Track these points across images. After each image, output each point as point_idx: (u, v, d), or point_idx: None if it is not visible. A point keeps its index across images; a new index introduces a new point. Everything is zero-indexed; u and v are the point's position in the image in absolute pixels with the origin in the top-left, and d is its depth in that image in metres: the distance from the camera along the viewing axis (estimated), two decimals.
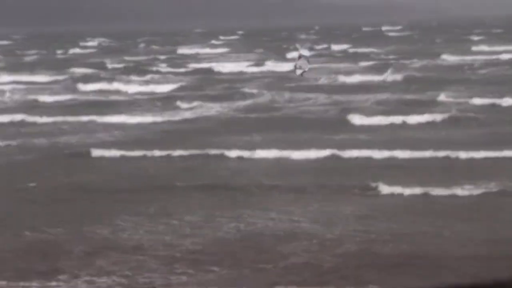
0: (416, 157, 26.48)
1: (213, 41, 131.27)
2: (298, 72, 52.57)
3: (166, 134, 33.54)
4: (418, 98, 42.23)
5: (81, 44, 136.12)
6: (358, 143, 29.55)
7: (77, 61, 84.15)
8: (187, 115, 39.22)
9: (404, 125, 34.13)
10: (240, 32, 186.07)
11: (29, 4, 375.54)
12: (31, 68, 72.31)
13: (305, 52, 53.34)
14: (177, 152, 28.20)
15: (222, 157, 27.54)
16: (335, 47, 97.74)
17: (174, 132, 34.00)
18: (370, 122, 34.84)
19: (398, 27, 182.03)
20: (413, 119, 35.04)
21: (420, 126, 33.75)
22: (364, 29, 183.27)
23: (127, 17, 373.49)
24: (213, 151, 28.10)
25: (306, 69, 52.57)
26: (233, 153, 27.76)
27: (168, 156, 27.85)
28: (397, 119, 35.05)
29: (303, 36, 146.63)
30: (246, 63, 68.69)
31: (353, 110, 37.42)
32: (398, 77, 52.41)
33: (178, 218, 19.79)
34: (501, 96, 40.49)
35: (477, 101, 39.99)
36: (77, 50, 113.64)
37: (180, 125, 36.43)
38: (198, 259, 16.52)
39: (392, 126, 34.00)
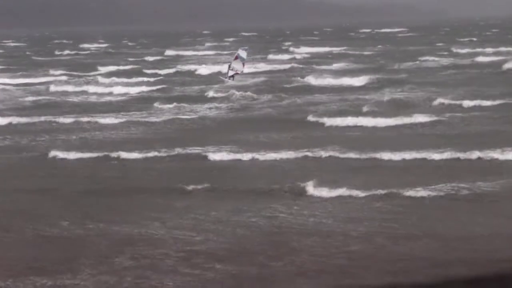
0: (357, 157, 26.98)
1: (208, 44, 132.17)
2: (230, 73, 52.62)
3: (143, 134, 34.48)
4: (377, 99, 42.72)
5: (84, 46, 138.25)
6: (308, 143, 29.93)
7: (70, 62, 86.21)
8: (158, 116, 39.81)
9: (357, 127, 34.39)
10: (244, 34, 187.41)
11: (48, 5, 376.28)
12: (24, 69, 73.98)
13: (242, 53, 53.32)
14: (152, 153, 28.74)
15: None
16: (324, 49, 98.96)
17: (145, 133, 34.82)
18: (328, 123, 35.17)
19: (400, 29, 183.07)
20: (367, 121, 35.25)
21: (372, 127, 34.19)
22: (363, 30, 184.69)
23: (140, 19, 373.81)
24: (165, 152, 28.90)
25: (239, 72, 52.82)
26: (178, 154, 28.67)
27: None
28: (353, 120, 35.38)
29: (308, 38, 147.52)
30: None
31: (312, 112, 38.07)
32: (367, 79, 53.10)
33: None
34: (461, 98, 41.43)
35: (436, 102, 40.55)
36: (79, 52, 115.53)
37: (150, 126, 37.15)
38: None
39: (345, 127, 34.38)
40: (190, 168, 26.26)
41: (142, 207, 21.16)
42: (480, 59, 71.22)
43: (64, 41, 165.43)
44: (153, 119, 39.07)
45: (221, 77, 53.61)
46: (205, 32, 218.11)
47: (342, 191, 21.84)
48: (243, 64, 52.76)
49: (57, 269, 16.11)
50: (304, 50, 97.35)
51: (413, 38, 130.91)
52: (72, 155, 29.00)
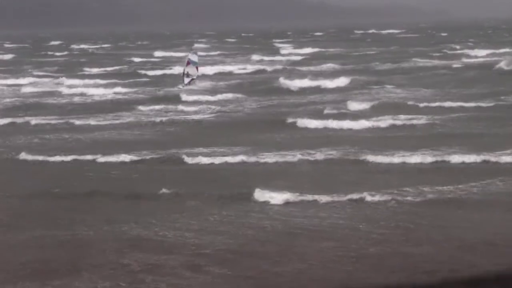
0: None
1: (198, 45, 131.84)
2: (186, 80, 50.85)
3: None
4: (362, 101, 41.80)
5: (82, 46, 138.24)
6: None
7: (59, 63, 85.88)
8: (140, 118, 39.58)
9: (345, 129, 33.83)
10: (244, 34, 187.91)
11: (54, 6, 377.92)
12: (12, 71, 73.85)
13: (193, 57, 51.73)
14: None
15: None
16: (316, 50, 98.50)
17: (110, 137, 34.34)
18: (311, 125, 34.63)
19: (400, 30, 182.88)
20: (355, 123, 34.38)
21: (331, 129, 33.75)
22: (361, 31, 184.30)
23: (148, 20, 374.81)
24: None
25: (195, 77, 51.21)
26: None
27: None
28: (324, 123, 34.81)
29: (307, 38, 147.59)
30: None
31: (295, 114, 37.50)
32: (353, 80, 52.24)
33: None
34: (447, 99, 40.81)
35: (422, 104, 39.66)
36: (73, 52, 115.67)
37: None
38: None
39: (328, 129, 33.91)
40: (172, 171, 25.84)
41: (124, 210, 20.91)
42: (472, 60, 70.56)
43: (62, 42, 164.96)
44: (133, 120, 38.70)
45: (185, 78, 51.84)
46: (210, 32, 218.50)
47: (341, 195, 21.21)
48: (197, 68, 51.17)
49: (60, 272, 15.86)
50: (299, 52, 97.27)
51: (409, 39, 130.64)
52: (57, 158, 28.53)
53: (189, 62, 51.00)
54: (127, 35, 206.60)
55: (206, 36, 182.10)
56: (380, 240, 17.53)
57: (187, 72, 50.64)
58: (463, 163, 25.30)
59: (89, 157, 28.36)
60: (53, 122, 38.79)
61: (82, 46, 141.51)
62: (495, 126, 32.49)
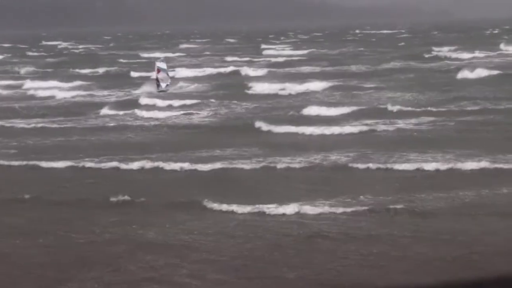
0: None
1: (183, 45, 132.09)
2: (163, 85, 50.69)
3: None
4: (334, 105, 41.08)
5: (73, 46, 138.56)
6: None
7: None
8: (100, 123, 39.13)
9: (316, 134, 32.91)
10: (244, 35, 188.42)
11: (61, 7, 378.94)
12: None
13: (162, 65, 51.73)
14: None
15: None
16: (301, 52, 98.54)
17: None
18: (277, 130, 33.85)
19: (396, 31, 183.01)
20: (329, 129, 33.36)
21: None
22: (356, 31, 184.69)
23: (153, 20, 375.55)
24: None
25: (169, 82, 51.36)
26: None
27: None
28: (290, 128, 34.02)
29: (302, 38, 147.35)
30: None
31: (262, 118, 36.57)
32: (326, 85, 51.47)
33: None
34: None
35: (392, 108, 38.79)
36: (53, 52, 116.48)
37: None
38: None
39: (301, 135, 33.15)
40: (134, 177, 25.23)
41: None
42: (448, 63, 70.09)
43: (57, 42, 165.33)
44: (89, 125, 38.13)
45: (160, 84, 51.29)
46: (211, 32, 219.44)
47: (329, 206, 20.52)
48: (168, 74, 51.86)
49: (64, 277, 15.74)
50: (292, 53, 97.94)
51: (401, 40, 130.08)
52: (14, 162, 27.93)
53: (159, 70, 51.20)
54: (125, 35, 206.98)
55: (206, 36, 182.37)
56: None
57: (161, 79, 50.92)
58: (472, 169, 24.41)
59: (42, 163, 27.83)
60: (17, 126, 38.36)
61: (74, 46, 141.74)
62: (465, 131, 31.77)
